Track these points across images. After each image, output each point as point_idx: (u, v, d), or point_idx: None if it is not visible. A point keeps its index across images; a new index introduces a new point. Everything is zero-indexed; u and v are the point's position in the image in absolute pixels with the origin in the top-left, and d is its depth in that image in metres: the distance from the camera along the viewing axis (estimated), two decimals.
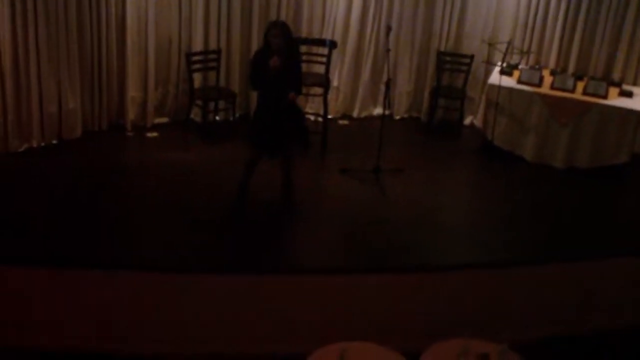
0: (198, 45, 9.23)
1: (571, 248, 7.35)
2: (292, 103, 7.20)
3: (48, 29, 8.17)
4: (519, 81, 9.04)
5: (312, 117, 9.79)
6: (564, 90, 8.89)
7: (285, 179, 7.64)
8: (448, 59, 9.93)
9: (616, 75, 9.46)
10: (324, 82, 8.95)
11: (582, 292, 6.82)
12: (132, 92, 9.09)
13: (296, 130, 7.40)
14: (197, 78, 9.24)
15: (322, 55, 9.07)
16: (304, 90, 9.40)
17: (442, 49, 9.94)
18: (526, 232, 7.55)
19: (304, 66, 9.10)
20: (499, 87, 8.82)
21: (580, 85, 8.99)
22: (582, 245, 7.42)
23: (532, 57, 9.78)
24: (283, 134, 7.28)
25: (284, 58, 7.03)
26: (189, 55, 9.02)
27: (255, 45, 9.33)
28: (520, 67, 9.45)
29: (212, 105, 9.32)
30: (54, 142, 8.62)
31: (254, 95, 8.35)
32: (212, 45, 9.31)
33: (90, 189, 7.73)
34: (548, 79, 9.13)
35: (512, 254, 7.17)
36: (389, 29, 8.54)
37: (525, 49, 9.69)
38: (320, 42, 9.21)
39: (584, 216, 8.04)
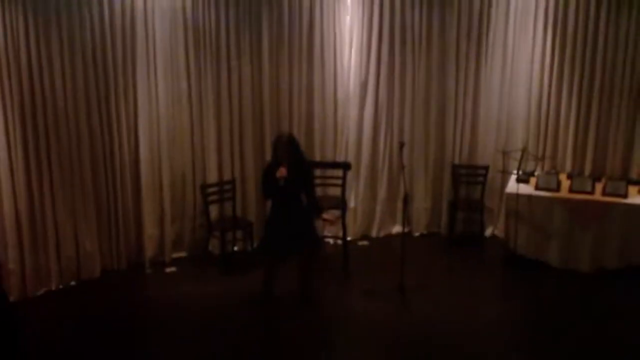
0: (212, 177, 9.26)
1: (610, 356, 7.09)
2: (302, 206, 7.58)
3: (62, 173, 8.26)
4: (537, 187, 8.96)
5: (331, 241, 9.73)
6: (583, 192, 8.80)
7: (305, 289, 7.98)
8: (463, 171, 9.90)
9: (634, 173, 9.38)
10: (341, 204, 8.90)
11: None
12: (149, 229, 9.06)
13: (308, 233, 7.75)
14: (213, 209, 9.22)
15: (337, 178, 9.05)
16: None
17: (457, 161, 9.93)
18: (560, 344, 7.28)
19: (320, 190, 9.12)
20: (517, 196, 8.74)
21: (599, 187, 8.91)
22: (620, 353, 7.16)
23: (547, 162, 9.73)
24: (296, 238, 7.57)
25: (292, 168, 7.37)
26: (204, 187, 9.03)
27: None
28: (536, 173, 9.39)
29: (229, 235, 9.25)
30: (73, 283, 8.58)
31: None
32: (227, 175, 9.32)
33: (110, 330, 7.58)
34: (566, 183, 9.06)
35: None
36: (402, 144, 8.54)
37: (539, 154, 9.65)
38: (335, 165, 9.21)
39: (617, 321, 7.77)
